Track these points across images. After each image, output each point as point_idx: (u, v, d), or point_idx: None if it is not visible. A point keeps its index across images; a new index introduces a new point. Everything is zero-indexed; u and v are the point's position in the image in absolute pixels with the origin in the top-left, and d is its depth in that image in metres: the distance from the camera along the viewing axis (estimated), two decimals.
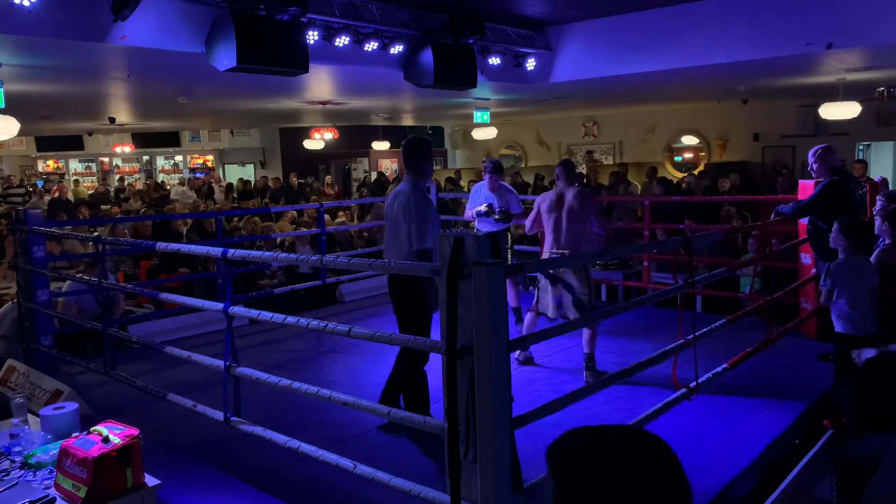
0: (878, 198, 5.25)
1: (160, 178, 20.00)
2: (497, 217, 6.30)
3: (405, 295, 4.30)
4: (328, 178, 17.13)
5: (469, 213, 6.73)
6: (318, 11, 6.25)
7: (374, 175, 19.06)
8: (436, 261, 3.79)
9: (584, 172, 15.30)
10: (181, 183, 18.25)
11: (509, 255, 6.65)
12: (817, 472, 4.14)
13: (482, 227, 6.55)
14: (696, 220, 8.55)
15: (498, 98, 11.22)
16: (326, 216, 9.01)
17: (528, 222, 5.86)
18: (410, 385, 4.35)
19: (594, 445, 1.16)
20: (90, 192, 17.68)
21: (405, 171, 4.56)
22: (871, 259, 4.71)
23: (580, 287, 5.30)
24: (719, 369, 4.41)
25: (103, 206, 14.65)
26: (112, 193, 17.36)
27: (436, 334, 2.93)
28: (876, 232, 5.02)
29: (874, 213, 5.23)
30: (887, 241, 4.84)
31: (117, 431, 2.99)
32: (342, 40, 6.61)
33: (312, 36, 6.32)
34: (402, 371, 4.37)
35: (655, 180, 11.13)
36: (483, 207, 6.37)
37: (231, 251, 4.01)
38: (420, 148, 4.54)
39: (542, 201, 5.63)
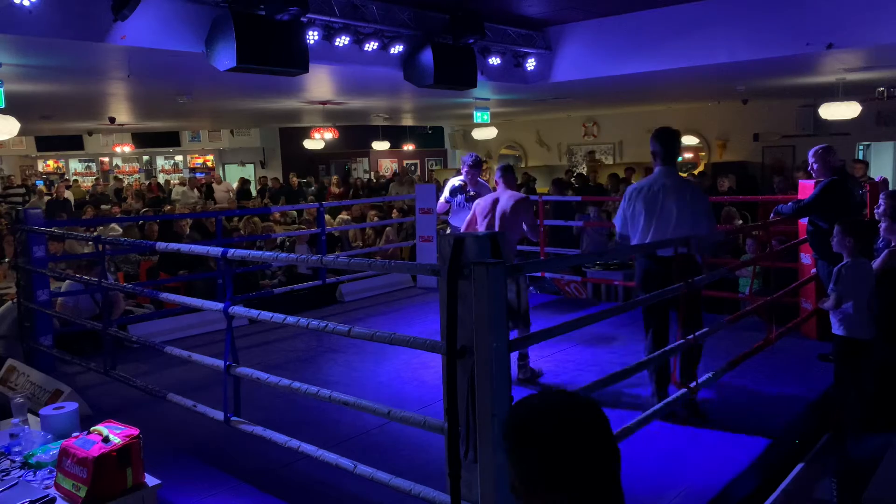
0: (881, 198, 5.17)
1: (161, 178, 20.00)
2: (471, 194, 6.46)
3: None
4: (335, 178, 17.25)
5: (442, 204, 6.88)
6: (318, 11, 6.25)
7: (373, 175, 19.06)
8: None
9: (584, 172, 15.30)
10: (181, 183, 18.27)
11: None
12: (817, 472, 4.14)
13: (453, 219, 6.78)
14: None
15: (498, 98, 11.22)
16: (327, 216, 9.01)
17: (462, 224, 5.84)
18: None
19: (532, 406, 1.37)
20: (87, 192, 17.67)
21: (661, 162, 4.61)
22: (879, 260, 4.68)
23: (510, 291, 5.19)
24: (719, 369, 4.41)
25: (103, 206, 14.65)
26: (112, 194, 17.34)
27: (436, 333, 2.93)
28: (883, 235, 4.95)
29: (876, 214, 5.18)
30: None
31: (117, 431, 2.98)
32: (342, 40, 6.61)
33: (312, 36, 6.32)
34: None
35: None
36: (457, 181, 6.66)
37: (231, 251, 4.01)
38: (675, 139, 4.71)
39: (477, 205, 5.63)
